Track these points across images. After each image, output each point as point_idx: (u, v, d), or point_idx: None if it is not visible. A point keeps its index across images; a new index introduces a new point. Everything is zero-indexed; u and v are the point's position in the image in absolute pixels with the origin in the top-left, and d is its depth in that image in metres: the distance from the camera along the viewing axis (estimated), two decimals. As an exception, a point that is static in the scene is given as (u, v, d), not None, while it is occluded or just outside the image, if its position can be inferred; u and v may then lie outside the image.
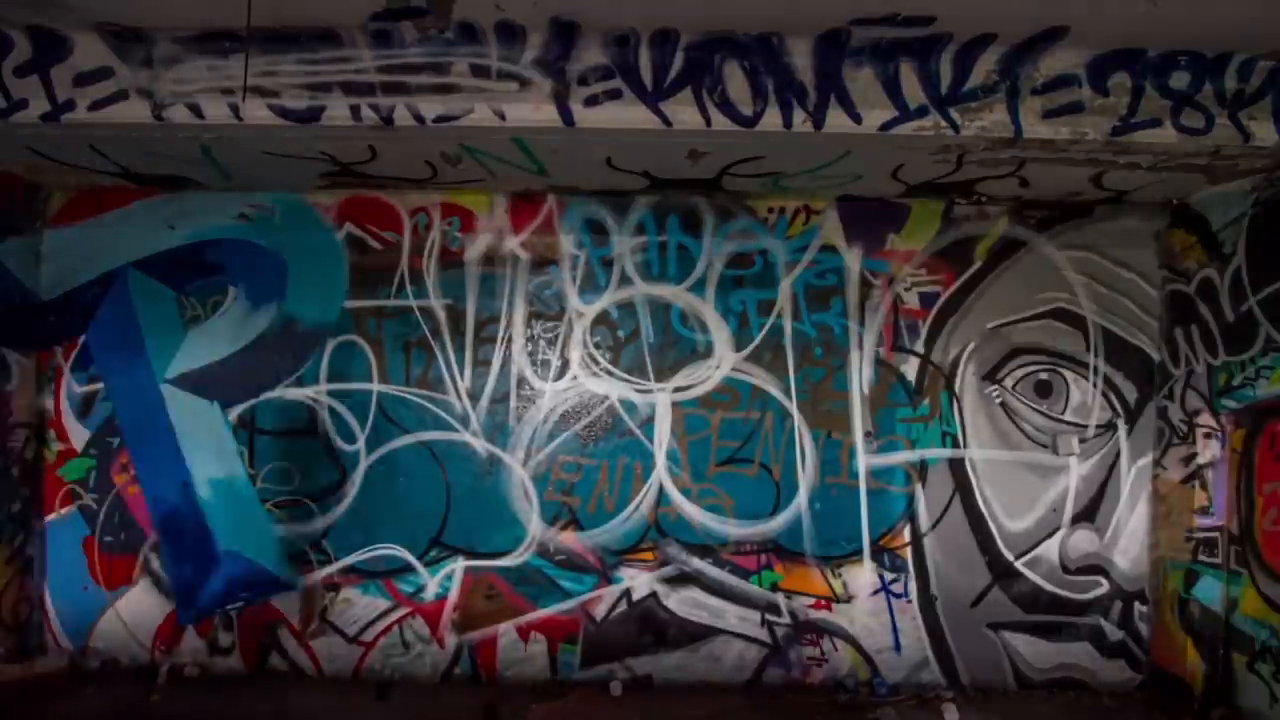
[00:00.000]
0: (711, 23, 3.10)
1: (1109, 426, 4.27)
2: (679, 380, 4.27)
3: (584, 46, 3.17)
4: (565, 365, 4.30)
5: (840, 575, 4.26)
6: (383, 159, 3.74)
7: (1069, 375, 4.27)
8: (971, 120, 3.25)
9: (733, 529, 4.25)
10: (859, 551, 4.25)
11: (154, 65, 3.21)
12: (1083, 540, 4.25)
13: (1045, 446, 4.25)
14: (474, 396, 4.28)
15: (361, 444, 4.26)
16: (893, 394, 4.28)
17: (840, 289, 4.30)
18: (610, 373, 4.29)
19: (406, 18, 3.04)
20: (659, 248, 4.30)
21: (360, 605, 4.26)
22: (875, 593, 4.25)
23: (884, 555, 4.25)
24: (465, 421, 4.28)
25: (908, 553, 4.25)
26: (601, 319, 4.31)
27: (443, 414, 4.27)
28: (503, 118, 3.24)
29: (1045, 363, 4.27)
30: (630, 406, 4.28)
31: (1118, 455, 4.27)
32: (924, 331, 4.28)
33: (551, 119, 3.24)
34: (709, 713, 3.89)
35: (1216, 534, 3.94)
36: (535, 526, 4.26)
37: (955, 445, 4.26)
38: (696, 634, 4.25)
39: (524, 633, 4.25)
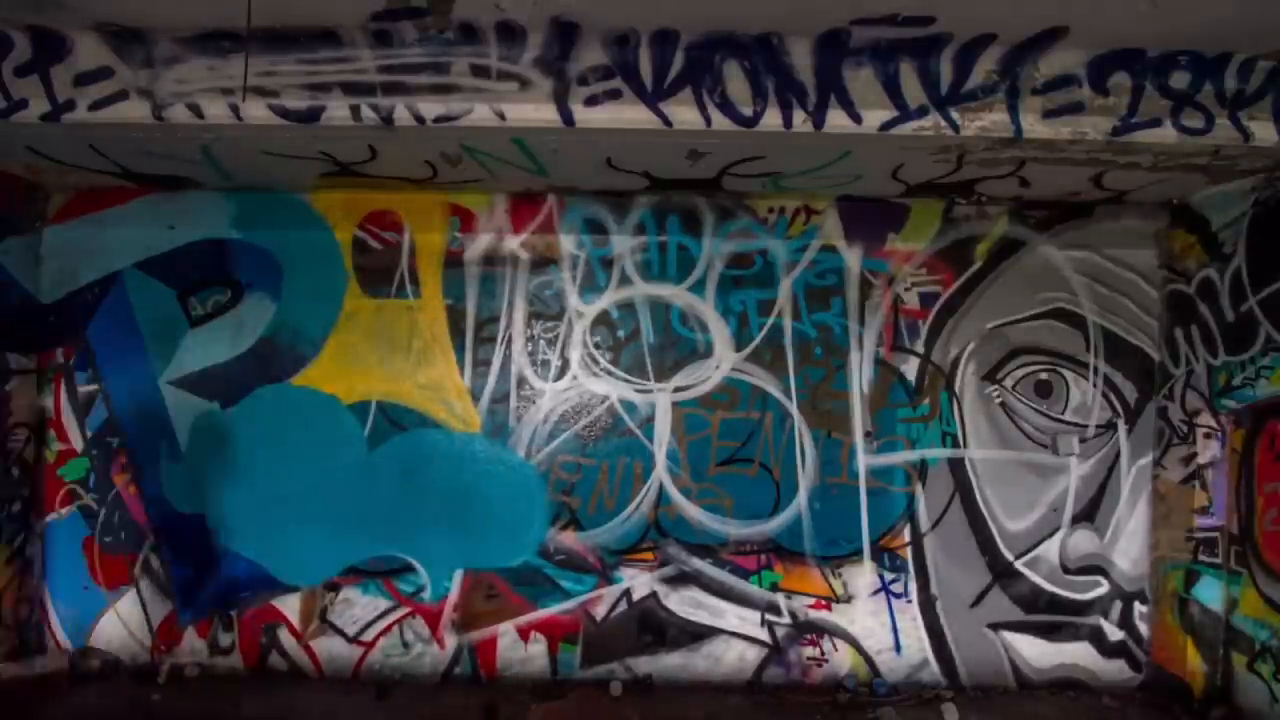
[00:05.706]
0: (711, 23, 3.10)
1: (1109, 426, 4.27)
2: (679, 380, 4.27)
3: (584, 46, 3.17)
4: (565, 365, 4.30)
5: (840, 575, 4.26)
6: (383, 159, 3.74)
7: (1069, 375, 4.27)
8: (971, 120, 3.25)
9: (733, 529, 4.25)
10: (859, 551, 4.25)
11: (154, 65, 3.21)
12: (1083, 540, 4.25)
13: (1045, 446, 4.25)
14: (474, 396, 4.28)
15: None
16: (893, 394, 4.28)
17: (840, 289, 4.30)
18: (610, 373, 4.29)
19: (406, 18, 3.04)
20: (659, 248, 4.30)
21: (360, 605, 4.26)
22: (875, 593, 4.25)
23: (884, 555, 4.25)
24: (465, 422, 4.27)
25: (908, 553, 4.25)
26: (601, 319, 4.30)
27: (443, 414, 4.28)
28: (503, 118, 3.24)
29: (1045, 363, 4.27)
30: (630, 406, 4.28)
31: (1118, 455, 4.27)
32: (924, 331, 4.28)
33: (551, 119, 3.24)
34: (709, 713, 3.89)
35: (1216, 534, 3.94)
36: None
37: (955, 445, 4.26)
38: (696, 634, 4.25)
39: (524, 633, 4.25)
